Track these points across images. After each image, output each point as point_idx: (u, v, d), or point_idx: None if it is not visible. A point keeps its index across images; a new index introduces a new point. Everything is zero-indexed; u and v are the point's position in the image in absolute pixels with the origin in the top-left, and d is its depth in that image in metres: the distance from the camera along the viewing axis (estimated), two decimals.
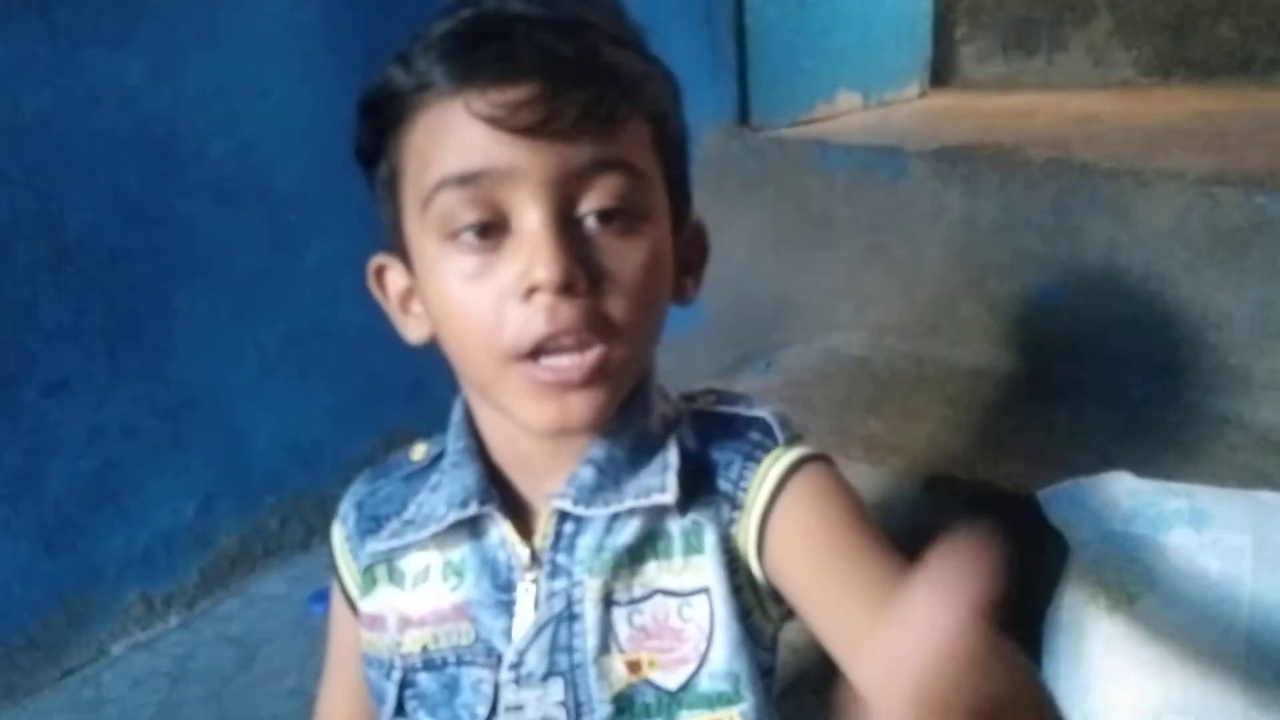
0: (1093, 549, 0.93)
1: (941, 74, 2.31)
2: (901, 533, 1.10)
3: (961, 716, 0.33)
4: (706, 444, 0.60)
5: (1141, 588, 0.89)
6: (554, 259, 0.48)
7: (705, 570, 0.56)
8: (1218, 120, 1.64)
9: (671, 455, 0.58)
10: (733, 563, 0.57)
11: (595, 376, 0.51)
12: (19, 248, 1.17)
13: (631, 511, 0.56)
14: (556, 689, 0.57)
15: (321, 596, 1.38)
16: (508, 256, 0.50)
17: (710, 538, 0.57)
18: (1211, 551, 0.88)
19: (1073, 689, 0.89)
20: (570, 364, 0.51)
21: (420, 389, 1.65)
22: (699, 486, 0.58)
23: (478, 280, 0.51)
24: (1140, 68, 2.13)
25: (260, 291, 1.43)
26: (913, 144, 1.54)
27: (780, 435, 0.59)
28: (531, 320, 0.50)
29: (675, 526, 0.57)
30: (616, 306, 0.51)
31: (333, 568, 0.68)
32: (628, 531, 0.57)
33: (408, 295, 0.59)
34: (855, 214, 1.57)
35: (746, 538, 0.57)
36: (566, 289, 0.49)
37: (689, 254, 0.61)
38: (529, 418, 0.53)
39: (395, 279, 0.59)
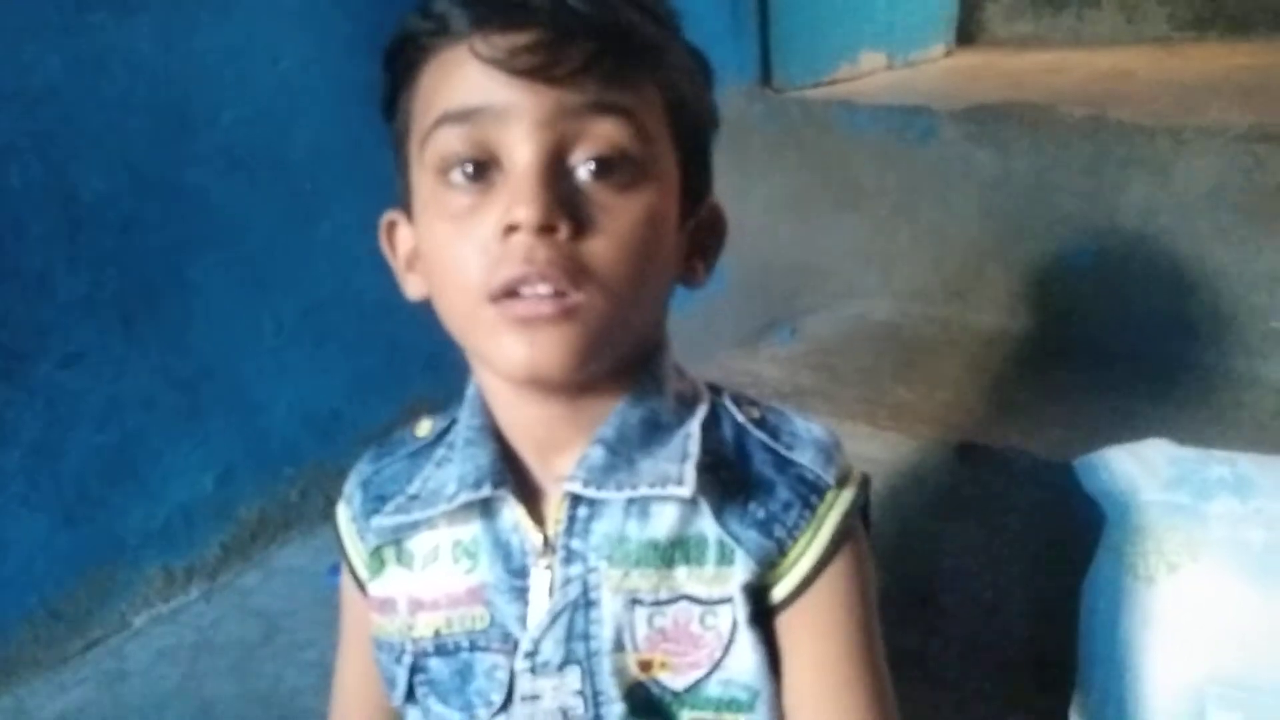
0: (1131, 518, 0.90)
1: (967, 33, 2.26)
2: (934, 502, 1.08)
3: None
4: (747, 457, 0.57)
5: (1183, 558, 0.86)
6: (535, 197, 0.47)
7: (734, 582, 0.55)
8: (1257, 76, 1.59)
9: (692, 445, 0.55)
10: (757, 593, 0.56)
11: (567, 315, 0.49)
12: (31, 219, 1.16)
13: (648, 500, 0.54)
14: (574, 678, 0.55)
15: (341, 568, 1.37)
16: (497, 195, 0.49)
17: (745, 563, 0.55)
18: (1256, 521, 0.85)
19: (1111, 662, 0.87)
20: (542, 301, 0.48)
21: (439, 359, 1.63)
22: (735, 498, 0.56)
23: (465, 220, 0.50)
24: (1174, 23, 2.07)
25: (276, 261, 1.41)
26: (941, 103, 1.50)
27: (830, 476, 0.57)
28: (506, 258, 0.48)
29: (711, 533, 0.55)
30: (599, 255, 0.49)
31: (340, 549, 0.67)
32: (657, 527, 0.55)
33: (414, 256, 0.57)
34: (882, 176, 1.53)
35: (785, 588, 0.56)
36: (545, 230, 0.47)
37: (703, 236, 0.58)
38: (498, 358, 0.51)
39: (405, 237, 0.58)
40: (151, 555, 1.32)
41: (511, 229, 0.48)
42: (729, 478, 0.56)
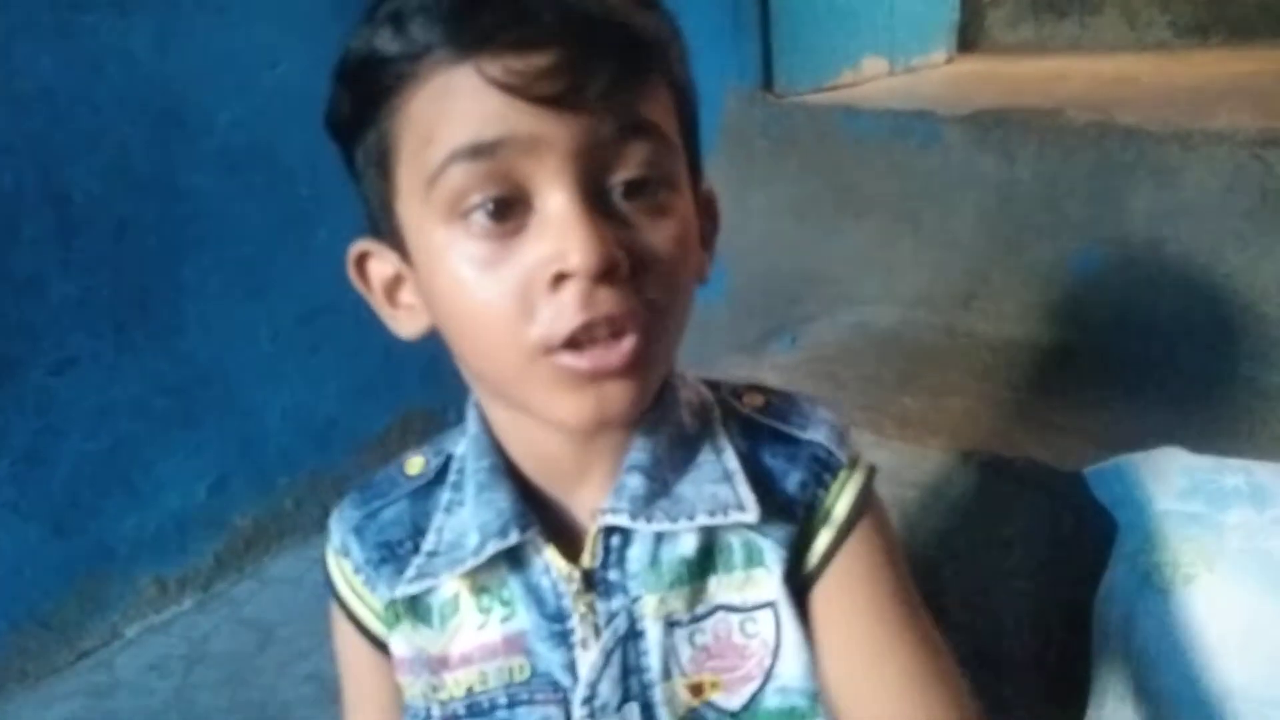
0: (1145, 528, 0.89)
1: (968, 39, 2.25)
2: (942, 512, 1.06)
3: None
4: (757, 448, 0.56)
5: (1198, 568, 0.85)
6: (589, 242, 0.43)
7: (770, 585, 0.53)
8: (1263, 81, 1.57)
9: (730, 460, 0.54)
10: (794, 582, 0.54)
11: (634, 363, 0.45)
12: (24, 221, 1.14)
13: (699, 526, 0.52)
14: (633, 714, 0.53)
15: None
16: (530, 238, 0.44)
17: (775, 553, 0.53)
18: (1273, 531, 0.84)
19: (1126, 674, 0.85)
20: (608, 352, 0.45)
21: (436, 367, 1.62)
22: (757, 492, 0.53)
23: (494, 266, 0.44)
24: (1177, 29, 2.06)
25: (271, 266, 1.39)
26: (945, 108, 1.48)
27: (843, 454, 0.56)
28: (565, 310, 0.44)
29: (735, 538, 0.53)
30: (655, 289, 0.46)
31: (338, 604, 0.59)
32: (685, 544, 0.52)
33: (394, 285, 0.52)
34: (884, 182, 1.52)
35: (809, 564, 0.54)
36: (606, 275, 0.43)
37: (703, 224, 0.55)
38: (563, 413, 0.47)
39: (380, 267, 0.52)
40: (143, 565, 1.30)
41: (563, 277, 0.43)
42: (749, 474, 0.54)
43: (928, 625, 0.56)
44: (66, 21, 1.15)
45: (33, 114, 1.13)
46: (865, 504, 0.56)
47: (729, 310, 1.51)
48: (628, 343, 0.45)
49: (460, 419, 0.59)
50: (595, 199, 0.45)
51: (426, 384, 1.62)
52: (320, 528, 1.47)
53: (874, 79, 1.90)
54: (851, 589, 0.54)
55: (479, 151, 0.43)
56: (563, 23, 0.42)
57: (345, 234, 1.66)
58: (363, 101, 0.47)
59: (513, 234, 0.44)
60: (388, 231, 0.50)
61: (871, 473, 0.57)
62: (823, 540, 0.54)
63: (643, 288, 0.45)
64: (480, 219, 0.44)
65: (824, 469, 0.55)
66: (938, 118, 1.47)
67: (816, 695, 0.53)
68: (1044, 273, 1.38)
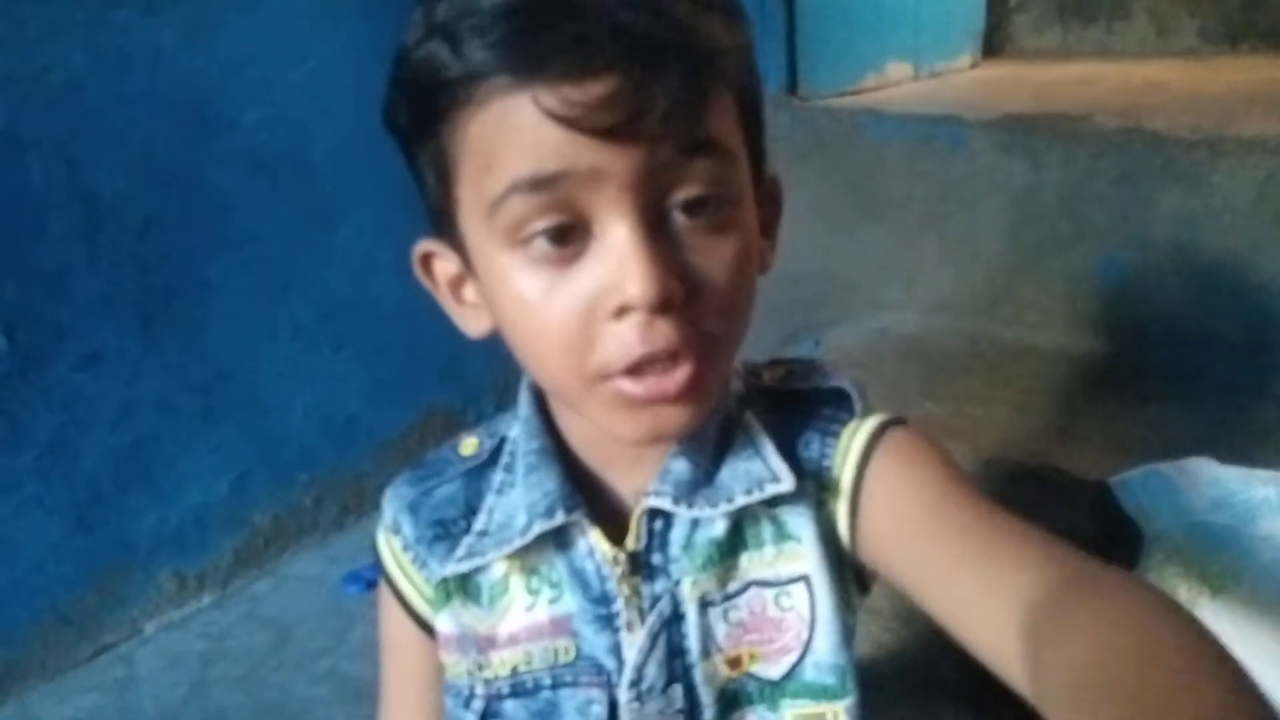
0: (1172, 539, 0.88)
1: (994, 44, 2.23)
2: None
3: None
4: (780, 420, 0.55)
5: (1226, 580, 0.83)
6: (648, 275, 0.43)
7: (803, 558, 0.53)
8: None
9: (759, 435, 0.54)
10: (829, 547, 0.53)
11: (689, 390, 0.46)
12: (51, 217, 1.15)
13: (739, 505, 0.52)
14: (677, 695, 0.53)
15: (355, 577, 1.35)
16: (590, 265, 0.44)
17: (803, 522, 0.53)
18: None
19: None
20: (664, 380, 0.45)
21: (457, 366, 1.62)
22: (789, 460, 0.53)
23: (555, 291, 0.45)
24: (1206, 36, 2.04)
25: (295, 264, 1.40)
26: (971, 113, 1.47)
27: (856, 406, 0.55)
28: (624, 341, 0.44)
29: (762, 514, 0.53)
30: (712, 318, 0.46)
31: (387, 582, 0.60)
32: (716, 526, 0.53)
33: (458, 283, 0.53)
34: (909, 186, 1.51)
35: (838, 518, 0.53)
36: (663, 307, 0.43)
37: (765, 212, 0.53)
38: (620, 431, 0.48)
39: (444, 266, 0.52)
40: (163, 560, 1.31)
41: (624, 309, 0.44)
42: (779, 444, 0.54)
43: (985, 498, 0.51)
44: (96, 18, 1.15)
45: (61, 110, 1.14)
46: (884, 431, 0.54)
47: (752, 313, 1.50)
48: (682, 372, 0.45)
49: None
50: (655, 224, 0.44)
51: (447, 383, 1.62)
52: (339, 527, 1.49)
53: (898, 83, 1.89)
54: (893, 494, 0.52)
55: (539, 185, 0.43)
56: (620, 47, 0.41)
57: (369, 233, 1.66)
58: (421, 115, 0.47)
59: (573, 259, 0.45)
60: (450, 235, 0.50)
61: (891, 420, 0.55)
62: (848, 473, 0.53)
63: (701, 315, 0.45)
64: (541, 245, 0.44)
65: (834, 422, 0.55)
66: (963, 122, 1.46)
67: (847, 673, 0.53)
68: (1069, 279, 1.37)
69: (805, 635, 0.53)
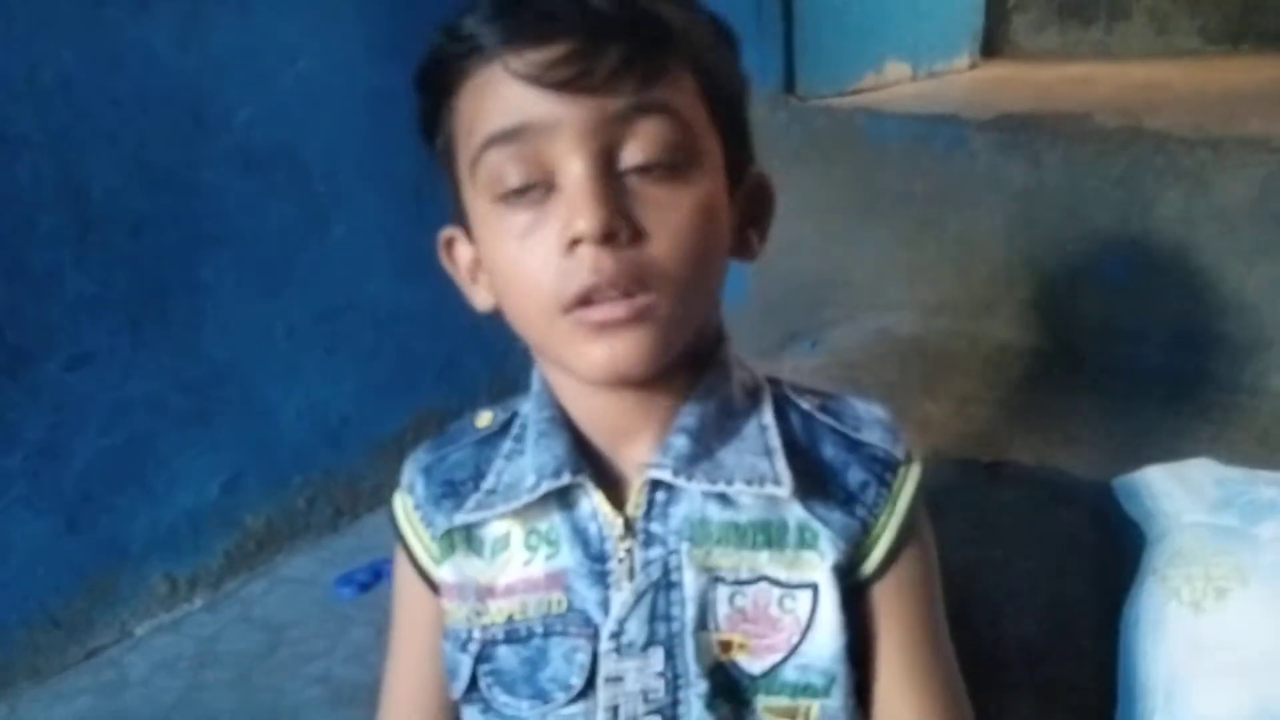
0: (1174, 541, 0.86)
1: (992, 44, 2.23)
2: (964, 523, 1.04)
3: None
4: (817, 443, 0.60)
5: (1231, 583, 0.82)
6: (593, 209, 0.48)
7: (818, 568, 0.57)
8: None
9: (773, 438, 0.58)
10: (847, 577, 0.57)
11: (640, 317, 0.51)
12: (41, 215, 1.14)
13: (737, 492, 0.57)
14: (657, 659, 0.57)
15: (349, 580, 1.34)
16: (554, 211, 0.50)
17: (831, 542, 0.57)
18: None
19: (1154, 693, 0.82)
20: (615, 305, 0.50)
21: (452, 368, 1.61)
22: (814, 483, 0.58)
23: (527, 237, 0.51)
24: (1206, 36, 2.04)
25: (288, 264, 1.38)
26: (970, 113, 1.47)
27: (899, 451, 0.60)
28: (575, 271, 0.50)
29: (791, 517, 0.57)
30: (662, 256, 0.51)
31: (399, 539, 0.66)
32: (740, 512, 0.57)
33: (475, 266, 0.59)
34: (908, 186, 1.50)
35: (871, 562, 0.58)
36: (608, 239, 0.49)
37: (751, 207, 0.60)
38: (580, 363, 0.53)
39: (463, 251, 0.60)
40: (155, 563, 1.30)
41: (575, 242, 0.49)
42: (805, 464, 0.58)
43: (948, 659, 0.63)
44: (87, 16, 1.14)
45: (52, 108, 1.13)
46: (920, 507, 0.60)
47: (750, 314, 1.49)
48: (634, 301, 0.50)
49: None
50: (607, 172, 0.50)
51: (442, 385, 1.61)
52: (333, 529, 1.48)
53: (897, 83, 1.89)
54: (908, 593, 0.59)
55: (507, 136, 0.50)
56: (577, 17, 0.48)
57: (363, 233, 1.65)
58: (432, 104, 0.55)
59: (542, 209, 0.51)
60: (461, 217, 0.57)
61: (924, 465, 0.61)
62: (885, 540, 0.58)
63: (650, 255, 0.50)
64: (514, 197, 0.51)
65: (884, 468, 0.59)
66: (962, 122, 1.45)
67: (835, 678, 0.56)
68: (1069, 280, 1.36)
69: (796, 640, 0.57)
